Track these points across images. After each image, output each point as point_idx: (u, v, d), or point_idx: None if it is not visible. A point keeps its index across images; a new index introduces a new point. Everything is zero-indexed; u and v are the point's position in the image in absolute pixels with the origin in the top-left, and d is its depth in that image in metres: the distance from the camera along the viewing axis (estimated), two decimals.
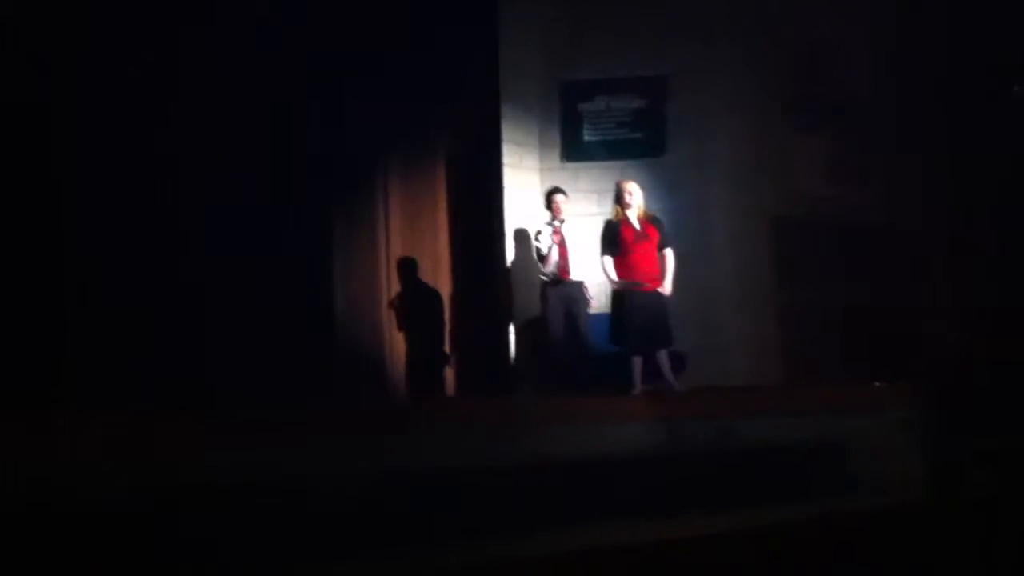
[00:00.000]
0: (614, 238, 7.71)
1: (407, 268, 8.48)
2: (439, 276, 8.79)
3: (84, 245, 6.85)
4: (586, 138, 9.34)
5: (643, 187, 8.24)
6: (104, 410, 5.00)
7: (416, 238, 8.60)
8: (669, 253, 7.75)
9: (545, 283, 8.21)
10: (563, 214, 8.23)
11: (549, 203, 8.33)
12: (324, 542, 3.98)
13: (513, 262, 8.93)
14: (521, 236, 8.96)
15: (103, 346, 6.71)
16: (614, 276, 7.67)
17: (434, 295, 8.59)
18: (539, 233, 8.31)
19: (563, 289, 8.13)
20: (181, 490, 3.93)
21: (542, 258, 8.20)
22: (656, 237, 7.72)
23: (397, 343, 8.52)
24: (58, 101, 6.83)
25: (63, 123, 6.84)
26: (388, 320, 8.52)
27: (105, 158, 6.89)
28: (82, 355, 6.61)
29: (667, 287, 7.68)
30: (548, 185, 9.07)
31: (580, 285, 8.19)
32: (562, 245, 8.13)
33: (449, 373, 8.62)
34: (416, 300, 8.43)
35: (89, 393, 6.07)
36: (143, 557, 3.62)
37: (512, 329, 8.83)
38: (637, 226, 7.69)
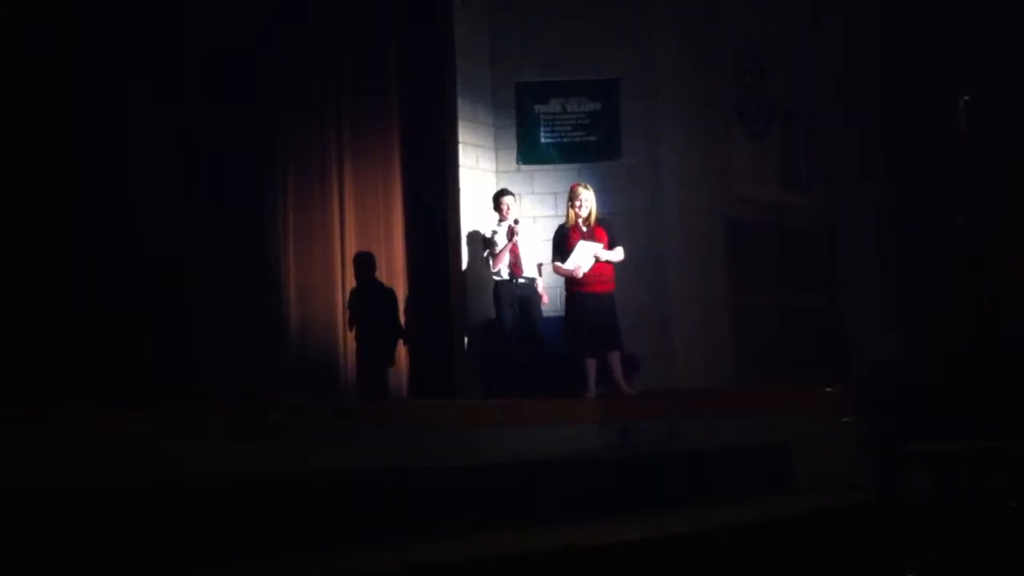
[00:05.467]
0: (561, 242, 7.77)
1: (363, 264, 8.39)
2: (394, 276, 8.76)
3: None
4: (543, 140, 9.36)
5: (598, 190, 8.27)
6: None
7: (371, 238, 8.58)
8: (619, 249, 7.79)
9: (498, 283, 8.23)
10: (511, 214, 8.26)
11: (497, 204, 8.37)
12: (260, 541, 3.98)
13: (468, 264, 8.95)
14: (475, 238, 8.98)
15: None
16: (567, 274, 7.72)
17: (389, 294, 8.55)
18: (495, 233, 8.34)
19: (516, 289, 8.16)
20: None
21: (493, 257, 8.22)
22: (605, 239, 7.75)
23: (351, 341, 8.48)
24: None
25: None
26: (343, 318, 8.48)
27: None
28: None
29: (619, 252, 7.71)
30: (504, 187, 9.12)
31: (533, 284, 8.23)
32: (514, 244, 8.16)
33: (400, 373, 8.60)
34: (370, 298, 8.37)
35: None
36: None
37: (465, 330, 8.85)
38: (584, 229, 7.74)
